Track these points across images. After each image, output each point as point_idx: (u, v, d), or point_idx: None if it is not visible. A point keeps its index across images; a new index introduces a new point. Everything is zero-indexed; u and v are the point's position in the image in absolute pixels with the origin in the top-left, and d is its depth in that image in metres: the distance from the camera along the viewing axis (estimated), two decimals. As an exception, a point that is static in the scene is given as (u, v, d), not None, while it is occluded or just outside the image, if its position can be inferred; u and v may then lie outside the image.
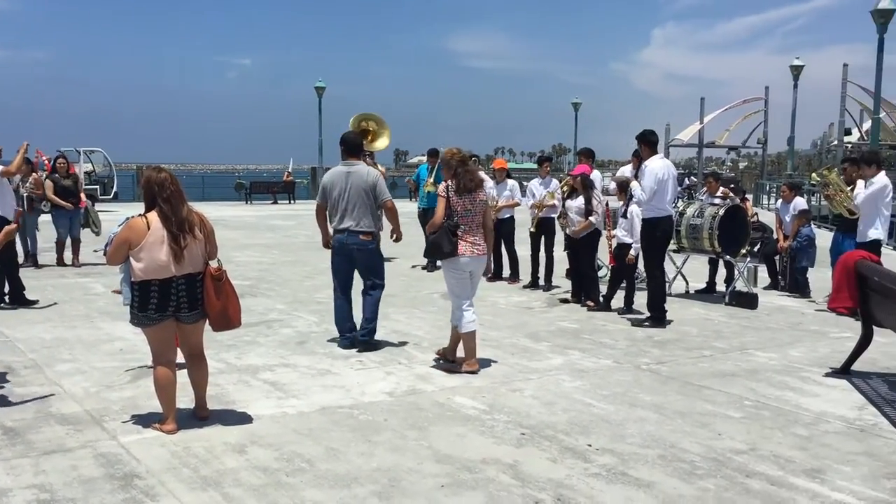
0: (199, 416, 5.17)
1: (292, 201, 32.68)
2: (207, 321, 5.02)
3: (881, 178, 8.84)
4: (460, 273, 6.48)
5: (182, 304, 4.86)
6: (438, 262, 7.10)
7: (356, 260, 7.12)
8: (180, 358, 5.13)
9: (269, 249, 15.37)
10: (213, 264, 4.99)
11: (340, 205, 6.99)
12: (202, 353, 5.20)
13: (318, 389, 5.94)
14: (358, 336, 7.17)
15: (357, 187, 6.95)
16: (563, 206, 9.94)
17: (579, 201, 9.49)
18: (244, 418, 5.23)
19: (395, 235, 7.27)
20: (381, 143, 13.43)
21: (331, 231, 7.19)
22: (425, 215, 12.44)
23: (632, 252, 8.87)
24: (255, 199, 32.92)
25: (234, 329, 5.25)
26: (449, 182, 6.50)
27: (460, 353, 6.60)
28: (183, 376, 5.17)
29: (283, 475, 4.31)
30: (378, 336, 7.34)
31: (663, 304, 8.44)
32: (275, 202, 32.48)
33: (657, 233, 8.36)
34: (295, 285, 10.93)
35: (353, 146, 7.25)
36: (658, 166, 8.28)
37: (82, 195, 12.96)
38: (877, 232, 8.62)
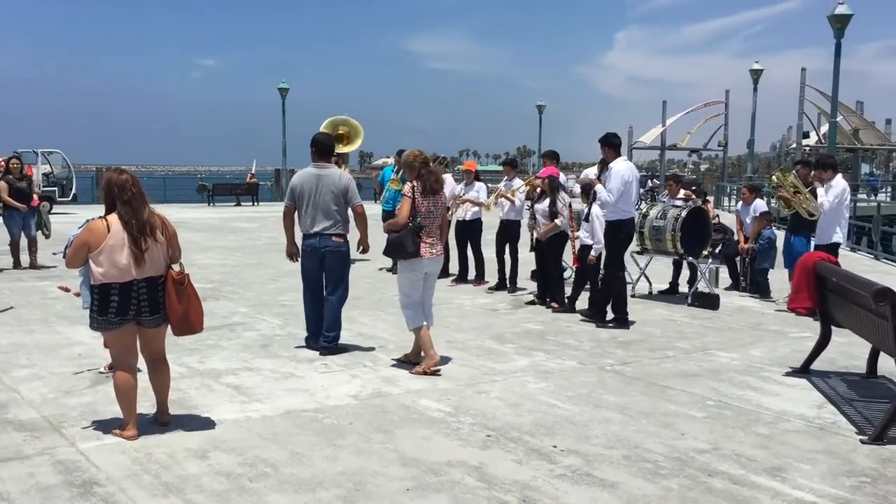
0: (161, 422, 5.10)
1: (256, 203, 32.41)
2: (169, 326, 4.95)
3: (839, 182, 9.03)
4: (417, 274, 6.56)
5: (143, 309, 4.78)
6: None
7: (326, 263, 7.01)
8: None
9: (233, 252, 15.21)
10: (176, 268, 4.92)
11: (311, 208, 6.88)
12: (164, 358, 5.13)
13: (282, 393, 5.89)
14: (321, 344, 7.09)
15: (328, 190, 6.86)
16: (532, 208, 9.98)
17: (546, 203, 9.54)
18: (207, 423, 5.16)
19: (361, 247, 7.09)
20: (352, 146, 13.36)
21: (298, 234, 7.09)
22: (390, 217, 12.41)
23: (592, 253, 8.92)
24: (218, 201, 32.58)
25: (197, 334, 5.18)
26: (414, 183, 6.50)
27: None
28: (144, 381, 5.10)
29: (247, 480, 4.27)
30: (343, 339, 7.30)
31: (625, 305, 8.53)
32: (238, 204, 32.18)
33: (621, 234, 8.45)
34: (258, 288, 10.83)
35: (325, 148, 7.13)
36: (623, 168, 8.36)
37: (35, 196, 12.75)
38: (838, 236, 8.85)
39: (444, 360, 6.89)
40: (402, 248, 6.43)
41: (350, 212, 7.04)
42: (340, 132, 12.46)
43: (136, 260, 4.69)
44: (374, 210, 13.22)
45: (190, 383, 6.09)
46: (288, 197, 7.12)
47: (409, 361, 6.70)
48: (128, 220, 4.71)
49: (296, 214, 7.06)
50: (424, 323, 6.61)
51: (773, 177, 10.13)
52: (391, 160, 13.06)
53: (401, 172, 11.97)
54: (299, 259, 7.18)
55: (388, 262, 11.93)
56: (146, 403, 5.22)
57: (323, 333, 7.09)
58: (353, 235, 7.10)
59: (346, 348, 7.19)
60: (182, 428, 5.06)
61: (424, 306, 6.72)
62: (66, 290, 6.10)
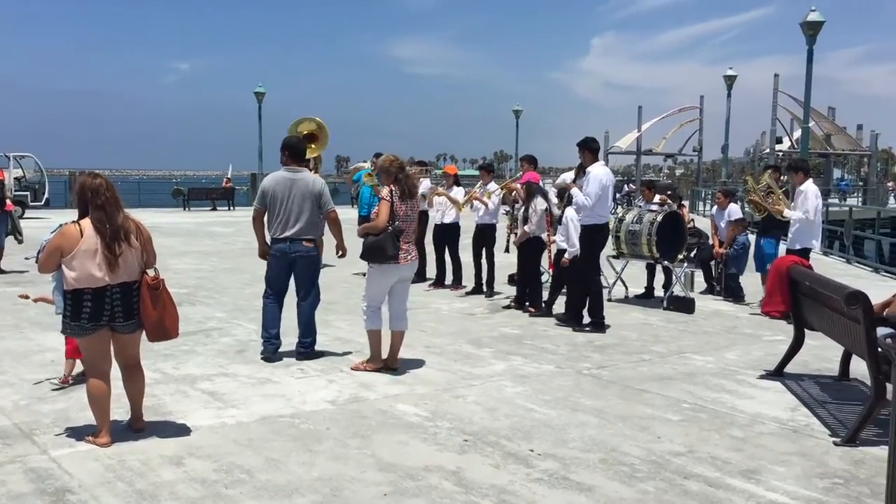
0: (135, 428, 5.04)
1: (232, 208, 32.21)
2: (144, 331, 4.90)
3: (810, 188, 9.14)
4: (389, 280, 6.59)
5: (117, 314, 4.73)
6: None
7: (296, 268, 6.94)
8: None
9: (208, 256, 15.11)
10: (150, 273, 4.87)
11: (283, 212, 6.80)
12: (139, 364, 5.08)
13: (258, 399, 5.85)
14: (297, 350, 7.04)
15: (301, 195, 6.79)
16: (510, 212, 10.02)
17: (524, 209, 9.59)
18: (182, 429, 5.12)
19: (340, 252, 7.09)
20: (320, 147, 13.24)
21: (268, 239, 7.01)
22: (366, 222, 12.38)
23: (566, 256, 8.94)
24: (194, 206, 32.35)
25: (172, 339, 5.14)
26: (392, 187, 6.50)
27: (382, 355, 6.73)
28: (117, 387, 5.04)
29: (222, 487, 4.23)
30: (320, 344, 7.27)
31: (602, 309, 8.57)
32: (214, 209, 31.97)
33: (598, 239, 8.49)
34: (234, 293, 10.76)
35: (298, 151, 7.04)
36: (601, 173, 8.41)
37: (8, 200, 12.59)
38: (810, 241, 8.96)
39: (422, 364, 6.89)
40: (382, 251, 6.42)
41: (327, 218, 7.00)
42: (304, 131, 12.25)
43: (110, 265, 4.64)
44: (349, 214, 13.21)
45: (165, 389, 6.03)
46: (258, 200, 6.98)
47: (388, 368, 6.71)
48: (101, 224, 4.66)
49: (265, 218, 6.95)
50: (380, 328, 6.70)
51: (748, 179, 10.26)
52: (367, 164, 12.99)
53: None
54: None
55: (364, 266, 11.87)
56: (120, 410, 5.17)
57: (299, 340, 7.05)
58: (329, 241, 7.08)
59: (322, 353, 7.15)
60: (156, 434, 5.01)
61: (398, 311, 6.75)
62: (26, 297, 6.01)
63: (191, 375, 6.46)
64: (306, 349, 7.02)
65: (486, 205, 10.66)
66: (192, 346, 7.49)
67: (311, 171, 13.38)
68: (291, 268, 6.93)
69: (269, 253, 7.02)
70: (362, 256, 6.62)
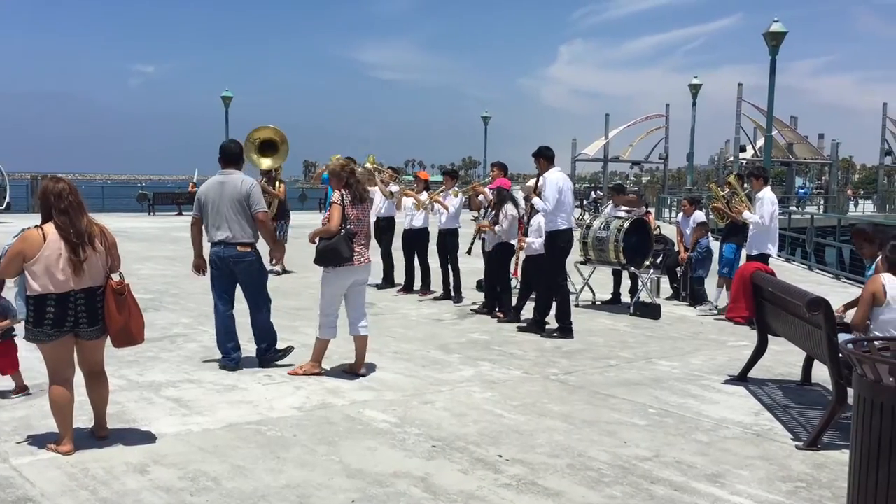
0: (98, 436, 4.97)
1: (198, 212, 31.86)
2: (108, 337, 4.83)
3: (767, 194, 9.30)
4: (344, 284, 6.59)
5: (81, 320, 4.66)
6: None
7: (238, 275, 6.82)
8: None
9: (174, 262, 14.92)
10: (115, 278, 4.81)
11: (214, 216, 6.67)
12: (103, 371, 5.01)
13: (225, 405, 5.80)
14: (256, 356, 6.97)
15: (231, 197, 6.63)
16: (481, 217, 10.07)
17: (490, 216, 9.63)
18: (146, 437, 5.05)
19: (274, 259, 6.96)
20: (279, 158, 13.02)
21: (206, 245, 6.85)
22: None
23: (525, 250, 9.11)
24: (159, 211, 31.98)
25: (137, 345, 5.07)
26: (343, 191, 6.52)
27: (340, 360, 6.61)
28: (81, 394, 4.96)
29: (188, 495, 4.18)
30: (287, 350, 7.22)
31: (569, 314, 8.61)
32: (180, 213, 31.57)
33: (559, 244, 8.52)
34: (200, 299, 10.61)
35: (229, 154, 6.85)
36: (557, 177, 8.49)
37: None
38: (768, 247, 9.10)
39: (390, 370, 6.88)
40: (337, 254, 6.40)
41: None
42: (261, 136, 12.06)
43: (75, 270, 4.57)
44: (318, 220, 13.20)
45: (129, 396, 5.95)
46: (195, 207, 6.86)
47: (351, 372, 6.72)
48: (65, 229, 4.59)
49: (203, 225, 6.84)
50: (330, 339, 6.71)
51: (712, 185, 10.42)
52: (325, 167, 12.92)
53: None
54: (207, 273, 6.97)
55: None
56: (83, 417, 5.09)
57: (257, 346, 6.97)
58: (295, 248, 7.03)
59: (287, 351, 7.07)
60: (120, 442, 4.94)
61: (357, 315, 6.74)
62: None
63: (156, 382, 6.39)
64: (264, 354, 6.94)
65: (446, 207, 10.72)
66: (157, 352, 7.40)
67: (273, 180, 13.33)
68: (232, 274, 6.82)
69: (202, 267, 6.97)
70: (316, 261, 6.56)
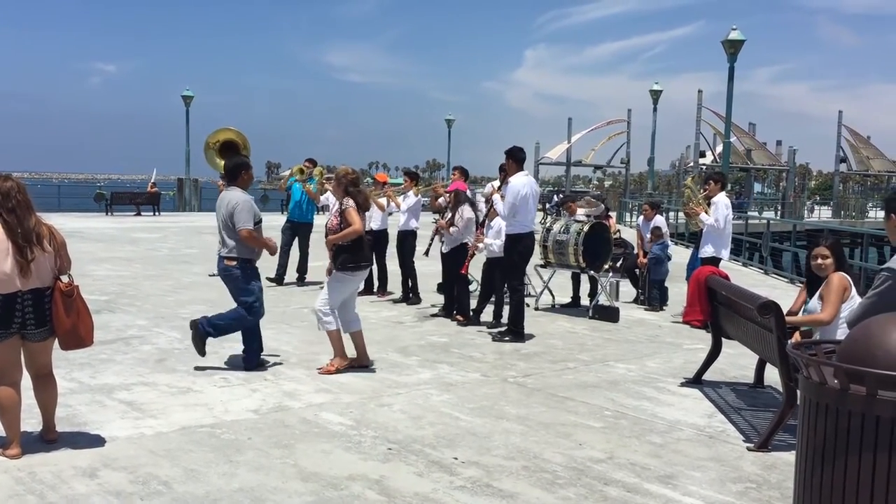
0: (47, 439, 4.88)
1: (157, 213, 31.43)
2: (56, 339, 4.74)
3: (721, 198, 9.44)
4: (358, 283, 7.18)
5: (28, 321, 4.57)
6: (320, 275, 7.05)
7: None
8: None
9: (131, 263, 14.71)
10: (64, 279, 4.72)
11: (218, 231, 7.04)
12: (51, 373, 4.90)
13: (179, 408, 5.72)
14: (200, 319, 6.99)
15: (221, 214, 6.90)
16: (441, 218, 10.07)
17: (447, 216, 9.65)
18: (96, 440, 4.97)
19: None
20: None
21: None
22: (292, 230, 12.28)
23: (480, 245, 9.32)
24: (117, 211, 31.43)
25: (86, 347, 4.98)
26: (351, 200, 6.89)
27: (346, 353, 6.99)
28: (29, 397, 4.86)
29: (138, 499, 4.12)
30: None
31: (522, 318, 8.62)
32: (138, 214, 31.13)
33: (519, 248, 8.53)
34: (157, 300, 10.50)
35: (227, 170, 7.28)
36: (520, 183, 8.46)
37: None
38: (717, 250, 9.23)
39: (348, 372, 6.85)
40: (363, 256, 6.94)
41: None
42: (221, 138, 11.98)
43: (22, 270, 4.48)
44: (279, 221, 13.08)
45: (80, 399, 5.85)
46: None
47: (361, 365, 7.01)
48: (12, 229, 4.49)
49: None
50: (339, 328, 6.95)
51: (686, 187, 10.52)
52: (289, 171, 12.86)
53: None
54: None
55: (272, 273, 11.72)
56: (32, 421, 5.00)
57: (211, 318, 7.00)
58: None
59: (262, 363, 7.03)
60: (70, 445, 4.85)
61: (354, 313, 7.13)
62: None
63: (108, 385, 6.28)
64: (202, 326, 6.90)
65: (398, 205, 10.91)
66: (111, 354, 7.28)
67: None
68: None
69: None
70: (343, 265, 6.83)
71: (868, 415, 2.97)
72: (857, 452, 3.00)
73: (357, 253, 6.87)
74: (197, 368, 6.84)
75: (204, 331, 6.88)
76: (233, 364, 7.00)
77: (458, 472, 4.62)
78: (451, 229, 9.52)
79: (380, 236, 11.18)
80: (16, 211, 4.52)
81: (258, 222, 6.86)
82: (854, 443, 3.01)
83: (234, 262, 6.85)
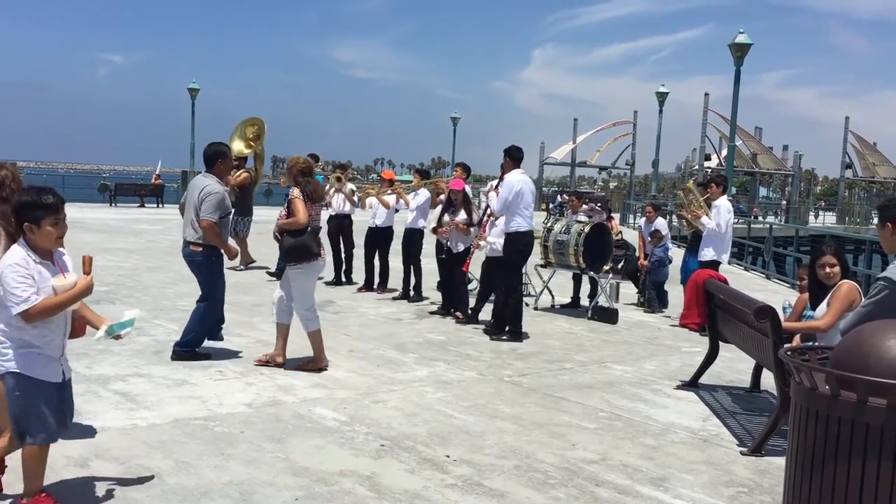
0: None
1: (161, 205, 31.45)
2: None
3: (723, 202, 9.42)
4: (315, 275, 6.84)
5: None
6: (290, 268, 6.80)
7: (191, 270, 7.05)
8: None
9: (132, 254, 14.72)
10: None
11: (184, 215, 6.97)
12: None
13: (173, 401, 5.72)
14: (174, 346, 6.95)
15: (191, 200, 6.86)
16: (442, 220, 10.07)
17: (461, 216, 9.60)
18: (89, 431, 4.97)
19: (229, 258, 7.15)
20: (258, 145, 13.13)
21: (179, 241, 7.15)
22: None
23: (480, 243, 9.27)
24: (121, 202, 31.46)
25: (80, 337, 4.97)
26: (297, 190, 6.69)
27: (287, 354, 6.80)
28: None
29: (129, 490, 4.12)
30: (242, 346, 7.17)
31: (520, 318, 8.61)
32: (142, 205, 31.16)
33: (518, 246, 8.52)
34: (156, 292, 10.50)
35: (205, 158, 7.11)
36: (515, 180, 8.47)
37: None
38: (716, 254, 9.19)
39: (344, 368, 6.85)
40: (308, 249, 6.58)
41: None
42: (249, 134, 12.16)
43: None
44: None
45: (75, 389, 5.68)
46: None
47: (273, 361, 6.81)
48: (6, 217, 4.48)
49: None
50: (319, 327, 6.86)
51: (679, 193, 10.53)
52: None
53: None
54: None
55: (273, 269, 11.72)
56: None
57: (181, 336, 6.98)
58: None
59: (208, 355, 6.96)
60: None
61: (291, 304, 6.86)
62: None
63: (104, 375, 6.29)
64: (179, 347, 6.91)
65: (407, 203, 10.85)
66: (108, 345, 7.22)
67: (254, 171, 13.59)
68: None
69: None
70: (287, 259, 6.61)
71: (858, 421, 2.96)
72: (847, 459, 2.99)
73: (301, 247, 6.58)
74: (193, 360, 6.84)
75: (182, 351, 6.89)
76: (229, 357, 7.00)
77: (449, 470, 4.62)
78: (456, 218, 9.50)
79: (384, 233, 11.19)
80: (10, 200, 4.51)
81: (224, 216, 6.84)
82: (843, 449, 3.00)
83: (200, 248, 6.82)
